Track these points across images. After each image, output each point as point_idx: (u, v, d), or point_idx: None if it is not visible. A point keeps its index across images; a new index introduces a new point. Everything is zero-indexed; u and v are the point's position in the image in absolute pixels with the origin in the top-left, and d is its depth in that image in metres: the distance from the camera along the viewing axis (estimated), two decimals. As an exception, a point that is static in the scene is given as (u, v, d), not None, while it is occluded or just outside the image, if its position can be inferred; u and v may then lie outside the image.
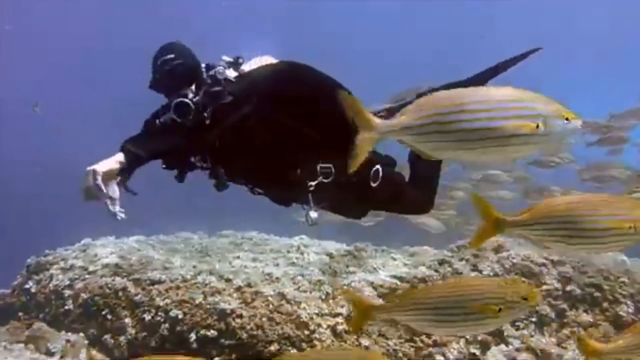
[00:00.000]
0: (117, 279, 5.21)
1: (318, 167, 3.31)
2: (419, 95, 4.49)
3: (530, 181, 8.16)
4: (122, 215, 2.99)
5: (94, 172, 2.90)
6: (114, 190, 2.91)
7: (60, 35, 20.75)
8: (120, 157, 3.06)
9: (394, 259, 6.16)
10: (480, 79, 4.00)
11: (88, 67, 21.63)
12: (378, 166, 3.52)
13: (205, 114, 3.15)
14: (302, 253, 6.38)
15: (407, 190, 3.79)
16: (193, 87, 3.22)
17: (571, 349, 4.59)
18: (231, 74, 3.32)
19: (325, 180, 3.32)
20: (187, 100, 3.16)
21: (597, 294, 4.95)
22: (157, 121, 3.20)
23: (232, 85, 3.24)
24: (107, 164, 3.02)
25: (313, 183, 3.32)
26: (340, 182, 3.36)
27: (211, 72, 3.24)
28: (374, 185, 3.51)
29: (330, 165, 3.32)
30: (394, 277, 5.44)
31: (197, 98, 3.18)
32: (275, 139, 3.29)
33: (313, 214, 3.42)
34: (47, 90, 18.16)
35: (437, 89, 4.29)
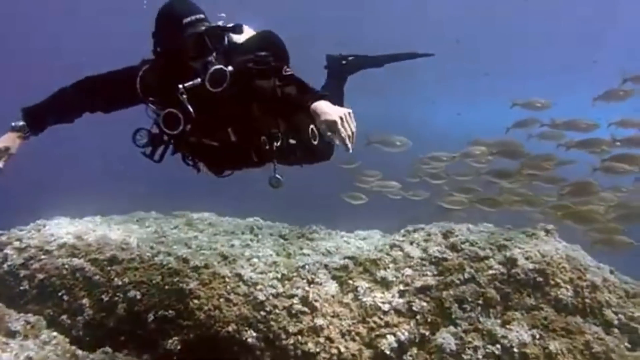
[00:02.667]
0: (75, 259, 5.20)
1: (271, 133, 3.50)
2: (329, 58, 4.89)
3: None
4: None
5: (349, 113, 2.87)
6: None
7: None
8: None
9: (347, 242, 6.31)
10: (384, 60, 4.55)
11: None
12: (312, 126, 3.80)
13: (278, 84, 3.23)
14: (256, 235, 6.47)
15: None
16: (215, 53, 3.20)
17: (515, 330, 4.83)
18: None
19: (277, 144, 3.51)
20: (224, 67, 3.14)
21: (539, 278, 5.20)
22: (182, 86, 3.15)
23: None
24: None
25: (273, 147, 3.53)
26: (288, 145, 3.68)
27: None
28: (315, 143, 3.80)
29: (277, 130, 3.52)
30: (348, 258, 5.59)
31: (230, 67, 3.17)
32: (261, 108, 3.43)
33: (278, 177, 3.62)
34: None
35: (346, 57, 4.75)
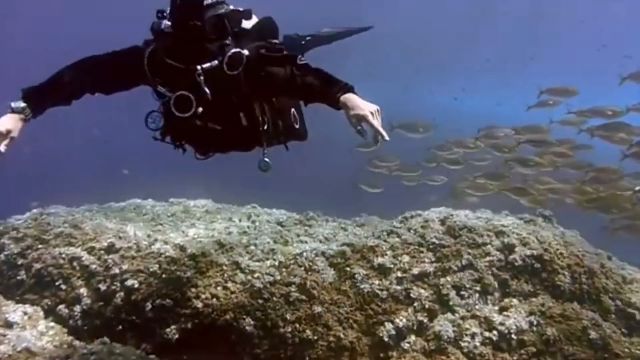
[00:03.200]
0: (71, 248, 5.19)
1: (260, 118, 3.53)
2: (287, 38, 4.96)
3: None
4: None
5: None
6: None
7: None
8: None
9: (344, 229, 6.30)
10: (338, 37, 4.97)
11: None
12: (292, 110, 3.89)
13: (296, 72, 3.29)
14: (253, 222, 6.46)
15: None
16: (230, 37, 3.23)
17: (512, 316, 4.84)
18: None
19: (264, 128, 3.55)
20: (242, 51, 3.17)
21: (537, 264, 5.20)
22: (200, 67, 3.15)
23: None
24: None
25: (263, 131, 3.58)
26: (274, 128, 3.72)
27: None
28: (297, 126, 3.96)
29: (265, 115, 3.62)
30: (345, 245, 5.57)
31: (246, 51, 3.21)
32: (258, 93, 3.47)
33: (266, 160, 3.66)
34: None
35: (304, 37, 4.85)
